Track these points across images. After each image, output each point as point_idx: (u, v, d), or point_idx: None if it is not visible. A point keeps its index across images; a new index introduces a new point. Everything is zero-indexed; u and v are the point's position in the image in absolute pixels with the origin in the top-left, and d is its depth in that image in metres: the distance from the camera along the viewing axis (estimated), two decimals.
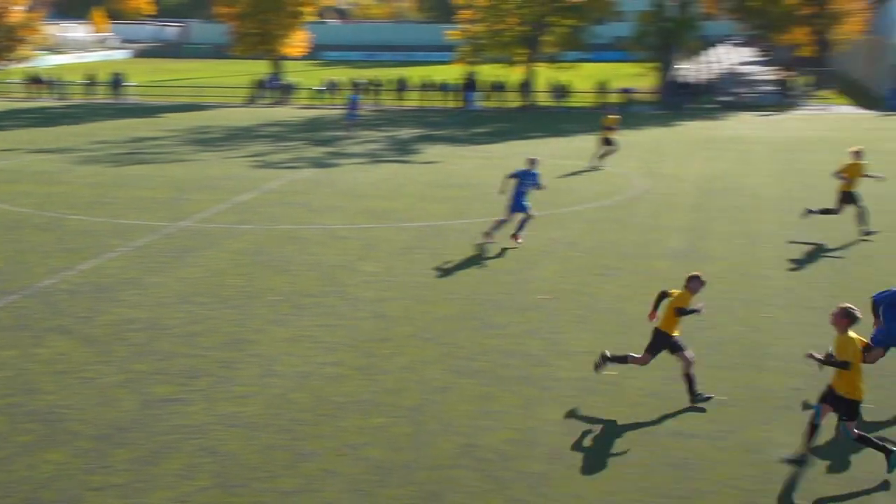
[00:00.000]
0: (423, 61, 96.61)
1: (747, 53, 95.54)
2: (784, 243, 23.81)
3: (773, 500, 11.42)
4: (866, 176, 25.11)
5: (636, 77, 68.01)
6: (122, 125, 51.79)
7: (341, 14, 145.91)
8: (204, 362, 15.69)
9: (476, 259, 22.53)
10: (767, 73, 78.06)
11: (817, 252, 22.99)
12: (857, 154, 25.01)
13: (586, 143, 45.12)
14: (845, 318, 12.18)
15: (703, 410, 13.88)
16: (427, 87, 67.71)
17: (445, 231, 25.59)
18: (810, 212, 25.35)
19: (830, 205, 25.47)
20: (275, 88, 68.19)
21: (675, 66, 68.39)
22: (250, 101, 66.44)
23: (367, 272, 21.21)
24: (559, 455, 12.52)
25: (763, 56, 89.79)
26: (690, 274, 14.35)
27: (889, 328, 14.48)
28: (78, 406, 13.92)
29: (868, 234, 24.73)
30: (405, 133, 49.82)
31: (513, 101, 65.51)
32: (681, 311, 14.26)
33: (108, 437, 12.94)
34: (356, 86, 67.64)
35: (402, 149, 43.37)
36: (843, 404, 12.20)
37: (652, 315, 14.64)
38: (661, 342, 14.37)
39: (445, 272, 21.42)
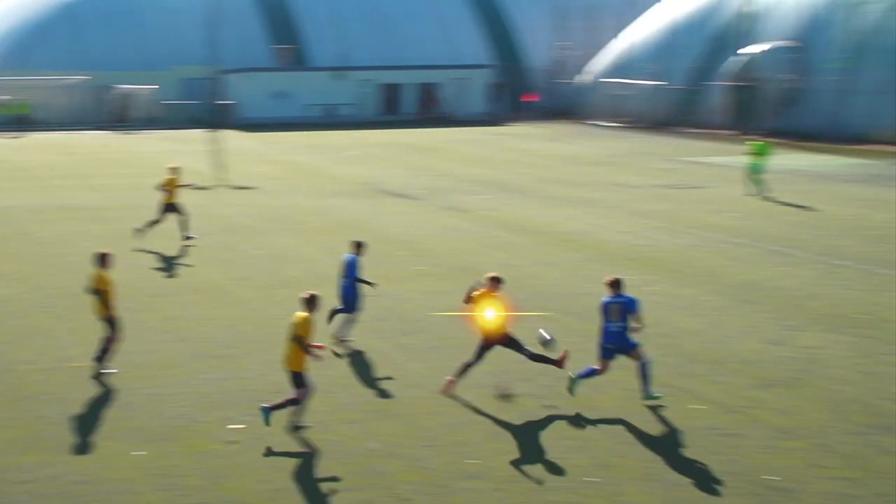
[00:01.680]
0: None
1: None
2: None
3: None
4: (183, 186, 25.67)
5: None
6: None
7: None
8: None
9: None
10: None
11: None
12: (174, 170, 25.30)
13: None
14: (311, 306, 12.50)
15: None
16: None
17: None
18: (138, 229, 24.99)
19: (154, 216, 25.26)
20: None
21: None
22: None
23: None
24: None
25: None
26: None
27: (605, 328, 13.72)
28: None
29: (189, 238, 24.98)
30: None
31: None
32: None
33: None
34: None
35: None
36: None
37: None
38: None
39: None
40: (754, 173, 33.44)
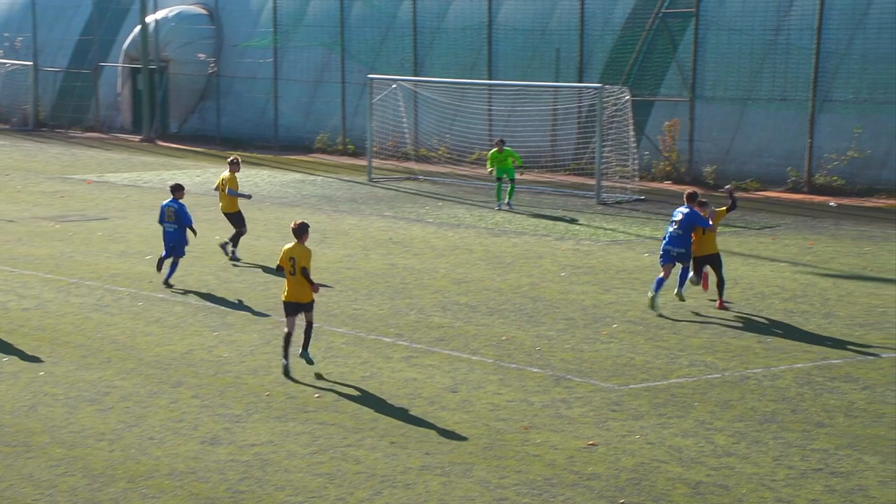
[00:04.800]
0: None
1: None
2: None
3: None
4: None
5: None
6: None
7: None
8: None
9: None
10: None
11: None
12: None
13: None
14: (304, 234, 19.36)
15: None
16: None
17: None
18: None
19: None
20: None
21: None
22: None
23: None
24: None
25: None
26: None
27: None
28: None
29: None
30: None
31: None
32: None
33: None
34: None
35: None
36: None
37: None
38: None
39: None
40: (507, 180, 37.51)
